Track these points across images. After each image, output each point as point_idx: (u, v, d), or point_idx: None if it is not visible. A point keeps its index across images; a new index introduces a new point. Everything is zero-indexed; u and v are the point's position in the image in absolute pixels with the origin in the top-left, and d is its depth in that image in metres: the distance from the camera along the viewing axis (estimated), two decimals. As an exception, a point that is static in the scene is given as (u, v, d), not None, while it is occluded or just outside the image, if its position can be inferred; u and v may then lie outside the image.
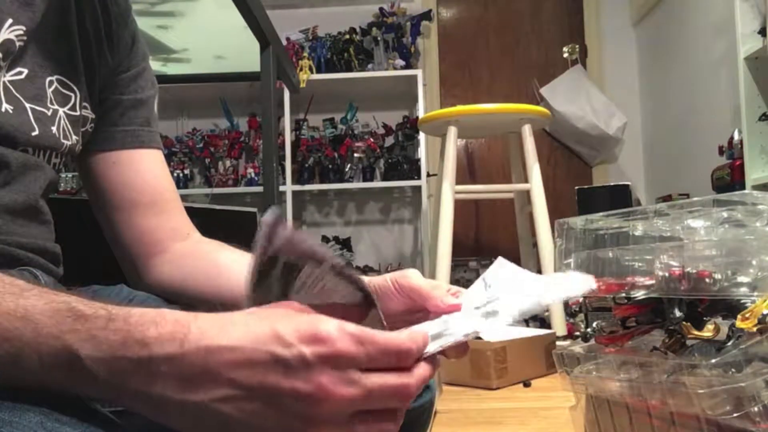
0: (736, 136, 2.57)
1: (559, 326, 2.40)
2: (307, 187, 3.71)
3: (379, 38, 3.71)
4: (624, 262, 0.93)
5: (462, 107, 2.65)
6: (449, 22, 4.25)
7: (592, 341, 1.00)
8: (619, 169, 4.04)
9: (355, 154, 3.73)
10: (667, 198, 3.18)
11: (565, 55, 4.00)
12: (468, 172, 4.13)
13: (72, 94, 0.64)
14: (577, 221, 1.03)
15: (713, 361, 0.76)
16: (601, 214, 1.02)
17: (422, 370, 0.41)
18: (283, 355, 0.36)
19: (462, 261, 3.69)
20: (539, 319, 3.12)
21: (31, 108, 0.58)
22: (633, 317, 0.93)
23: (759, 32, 2.36)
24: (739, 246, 0.80)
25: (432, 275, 2.60)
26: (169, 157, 3.71)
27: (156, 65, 3.55)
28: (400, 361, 0.39)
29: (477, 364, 1.86)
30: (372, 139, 3.79)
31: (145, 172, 0.71)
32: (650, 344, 0.91)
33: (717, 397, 0.76)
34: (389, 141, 3.87)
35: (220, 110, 3.92)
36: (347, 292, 0.46)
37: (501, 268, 0.55)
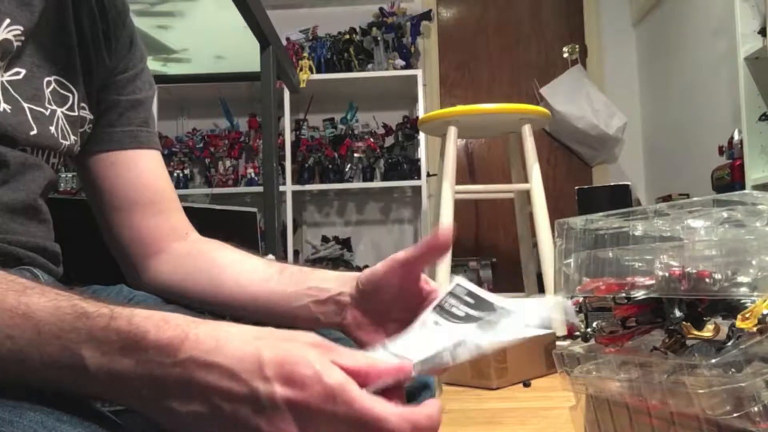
0: (736, 136, 2.57)
1: (559, 326, 2.40)
2: (307, 187, 3.71)
3: (379, 38, 3.71)
4: (624, 262, 0.93)
5: (462, 107, 2.65)
6: (449, 22, 4.25)
7: (592, 341, 1.00)
8: (619, 169, 4.04)
9: (355, 154, 3.73)
10: (667, 198, 3.18)
11: (565, 55, 4.00)
12: (468, 172, 4.13)
13: (70, 95, 0.64)
14: (577, 221, 1.03)
15: (713, 361, 0.76)
16: (601, 214, 1.02)
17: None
18: (257, 390, 0.35)
19: (462, 261, 3.69)
20: (539, 319, 3.11)
21: (29, 108, 0.58)
22: (633, 317, 0.93)
23: (759, 32, 2.36)
24: (739, 246, 0.80)
25: (432, 275, 2.59)
26: (169, 157, 3.71)
27: (156, 65, 3.55)
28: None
29: (477, 364, 1.86)
30: (372, 139, 3.79)
31: (143, 172, 0.72)
32: (650, 344, 0.91)
33: (717, 397, 0.76)
34: (389, 141, 3.87)
35: (220, 110, 3.92)
36: None
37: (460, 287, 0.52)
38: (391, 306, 0.57)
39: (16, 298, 0.37)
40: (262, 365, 0.36)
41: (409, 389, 0.69)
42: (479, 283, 3.49)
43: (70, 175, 2.74)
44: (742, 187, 2.42)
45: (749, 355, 0.76)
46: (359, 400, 0.35)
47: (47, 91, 0.61)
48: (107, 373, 0.37)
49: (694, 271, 0.82)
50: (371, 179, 3.72)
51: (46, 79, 0.61)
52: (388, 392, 0.38)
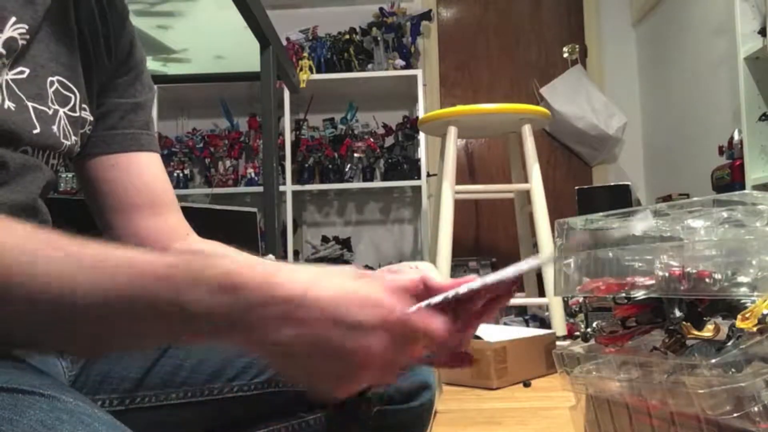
0: (736, 136, 2.57)
1: (559, 326, 2.40)
2: (307, 187, 3.71)
3: (379, 38, 3.71)
4: (624, 262, 0.93)
5: (462, 107, 2.65)
6: (449, 22, 4.25)
7: (592, 341, 1.00)
8: (619, 169, 4.04)
9: (355, 154, 3.73)
10: (667, 198, 3.18)
11: (565, 55, 4.00)
12: (468, 172, 4.13)
13: (72, 95, 0.64)
14: (577, 221, 1.03)
15: (713, 361, 0.76)
16: (601, 214, 1.02)
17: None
18: (354, 319, 0.41)
19: (462, 261, 3.69)
20: (539, 319, 3.11)
21: (32, 106, 0.58)
22: (633, 317, 0.93)
23: (759, 32, 2.36)
24: (739, 246, 0.80)
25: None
26: (169, 157, 3.71)
27: (156, 65, 3.55)
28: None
29: (477, 364, 1.86)
30: (372, 139, 3.79)
31: (144, 174, 0.72)
32: (650, 344, 0.91)
33: (717, 397, 0.76)
34: (389, 141, 3.87)
35: (220, 110, 3.91)
36: None
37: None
38: None
39: (123, 254, 0.42)
40: (352, 301, 0.41)
41: (409, 389, 0.70)
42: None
43: (70, 175, 2.74)
44: (742, 187, 2.42)
45: (749, 355, 0.76)
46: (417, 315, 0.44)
47: (50, 91, 0.61)
48: (207, 312, 0.40)
49: (694, 271, 0.82)
50: (371, 179, 3.72)
51: (50, 78, 0.61)
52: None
